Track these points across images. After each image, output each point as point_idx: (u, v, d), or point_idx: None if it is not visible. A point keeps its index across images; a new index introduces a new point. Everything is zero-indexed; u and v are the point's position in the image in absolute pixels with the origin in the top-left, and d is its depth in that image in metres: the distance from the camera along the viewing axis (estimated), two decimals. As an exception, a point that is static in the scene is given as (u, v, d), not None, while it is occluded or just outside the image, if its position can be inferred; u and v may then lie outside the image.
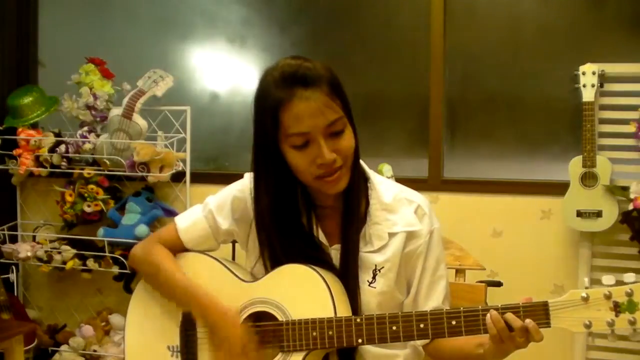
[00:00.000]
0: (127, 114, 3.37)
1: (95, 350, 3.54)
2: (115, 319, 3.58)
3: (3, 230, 3.70)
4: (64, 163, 3.52)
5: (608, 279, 1.34)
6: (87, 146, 3.45)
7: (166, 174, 3.40)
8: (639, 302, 1.31)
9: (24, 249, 3.53)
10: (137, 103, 3.36)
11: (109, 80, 3.51)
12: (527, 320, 1.36)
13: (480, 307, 1.42)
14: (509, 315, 1.37)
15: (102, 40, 3.84)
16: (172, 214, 3.38)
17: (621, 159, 3.05)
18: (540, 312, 1.37)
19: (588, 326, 1.34)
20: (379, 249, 1.57)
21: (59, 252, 3.51)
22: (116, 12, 3.90)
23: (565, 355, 3.09)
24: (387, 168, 3.13)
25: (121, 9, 3.90)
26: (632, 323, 1.31)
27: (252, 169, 1.58)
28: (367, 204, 1.59)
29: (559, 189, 3.07)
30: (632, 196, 2.88)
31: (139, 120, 3.39)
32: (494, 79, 3.41)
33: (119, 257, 3.39)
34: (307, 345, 1.49)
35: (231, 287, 1.60)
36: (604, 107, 3.06)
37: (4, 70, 3.83)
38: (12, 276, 3.66)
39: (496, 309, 1.39)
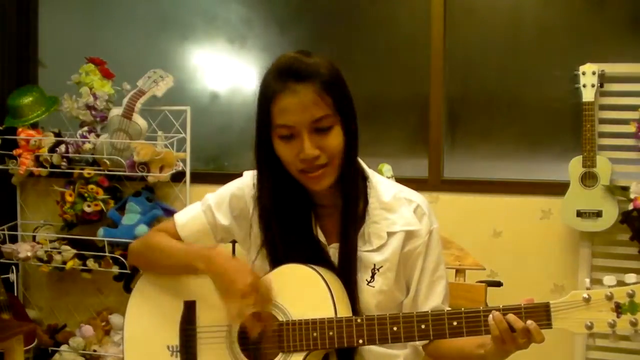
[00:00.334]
0: (127, 114, 3.37)
1: (95, 350, 3.55)
2: (115, 319, 3.58)
3: (3, 230, 3.70)
4: (64, 163, 3.52)
5: (609, 279, 1.34)
6: (87, 146, 3.45)
7: (166, 174, 3.41)
8: (640, 303, 1.32)
9: (24, 249, 3.53)
10: (137, 103, 3.37)
11: (109, 80, 3.52)
12: (529, 322, 1.36)
13: (481, 308, 1.42)
14: (511, 316, 1.37)
15: (102, 40, 3.84)
16: (172, 214, 3.30)
17: (621, 159, 3.05)
18: (541, 313, 1.37)
19: (590, 327, 1.34)
20: (378, 248, 1.57)
21: (59, 252, 3.51)
22: (116, 12, 3.90)
23: (565, 354, 3.09)
24: (387, 168, 3.13)
25: (121, 9, 3.90)
26: (634, 324, 1.31)
27: (254, 162, 1.59)
28: (366, 203, 1.58)
29: (559, 189, 3.07)
30: (632, 196, 2.88)
31: (139, 120, 3.39)
32: (494, 79, 3.41)
33: (119, 257, 3.39)
34: (307, 346, 1.49)
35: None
36: (604, 107, 3.06)
37: (4, 70, 3.83)
38: (12, 276, 3.66)
39: (498, 310, 1.39)
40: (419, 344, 1.59)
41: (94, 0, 3.97)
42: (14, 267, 3.67)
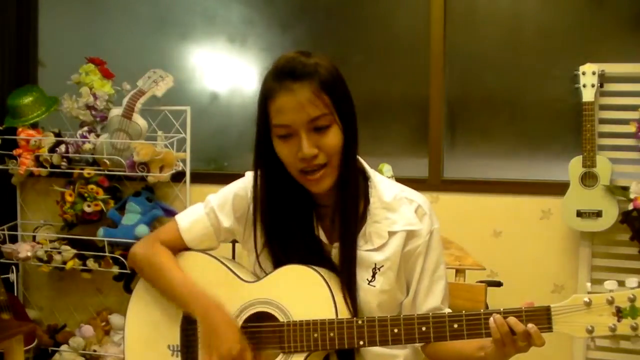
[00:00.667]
0: (127, 114, 3.37)
1: (95, 350, 3.55)
2: (115, 319, 3.59)
3: (3, 230, 3.70)
4: (64, 163, 3.52)
5: (610, 284, 1.34)
6: (87, 146, 3.45)
7: (166, 174, 3.41)
8: (641, 307, 1.32)
9: (24, 249, 3.53)
10: (137, 103, 3.36)
11: (109, 80, 3.51)
12: (530, 325, 1.36)
13: (482, 310, 1.42)
14: (512, 320, 1.38)
15: (102, 40, 3.84)
16: (172, 214, 3.37)
17: (621, 159, 3.05)
18: (542, 317, 1.37)
19: (590, 331, 1.34)
20: (379, 248, 1.57)
21: (59, 252, 3.51)
22: (116, 12, 3.90)
23: (565, 354, 3.09)
24: (387, 168, 3.13)
25: (121, 9, 3.90)
26: (634, 329, 1.31)
27: (253, 162, 1.59)
28: (367, 202, 1.59)
29: (559, 189, 3.07)
30: (632, 196, 2.88)
31: (139, 120, 3.39)
32: (494, 79, 3.41)
33: (119, 257, 3.39)
34: (308, 347, 1.49)
35: (232, 287, 1.60)
36: (604, 107, 3.06)
37: (4, 70, 3.83)
38: (12, 276, 3.66)
39: (499, 313, 1.39)
40: (418, 344, 1.60)
41: (94, 0, 3.97)
42: (14, 267, 3.67)
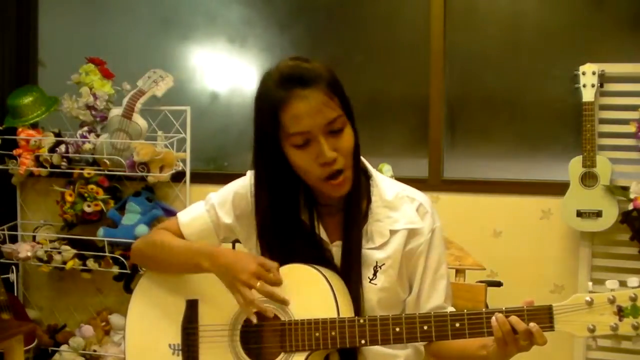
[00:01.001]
0: (127, 114, 3.37)
1: (95, 350, 3.55)
2: (115, 319, 3.59)
3: (3, 230, 3.70)
4: (64, 163, 3.52)
5: (612, 283, 1.34)
6: (87, 146, 3.45)
7: (166, 174, 3.41)
8: (642, 307, 1.32)
9: (24, 249, 3.53)
10: (137, 103, 3.37)
11: (109, 80, 3.51)
12: (532, 324, 1.36)
13: (484, 309, 1.42)
14: (513, 318, 1.38)
15: (102, 41, 3.84)
16: (172, 213, 3.37)
17: (621, 159, 3.05)
18: (544, 316, 1.37)
19: (592, 330, 1.34)
20: (380, 246, 1.57)
21: (59, 252, 3.51)
22: (116, 12, 3.90)
23: (565, 354, 3.09)
24: (387, 168, 3.13)
25: (121, 9, 3.90)
26: (636, 328, 1.31)
27: (252, 170, 1.59)
28: (369, 201, 1.59)
29: (559, 189, 3.08)
30: (632, 196, 2.88)
31: (139, 120, 3.39)
32: (494, 78, 3.41)
33: (119, 257, 3.40)
34: (309, 346, 1.49)
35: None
36: (604, 107, 3.06)
37: (4, 70, 3.83)
38: (12, 276, 3.66)
39: (500, 312, 1.39)
40: (420, 344, 1.60)
41: (94, 1, 3.97)
42: (14, 267, 3.67)
